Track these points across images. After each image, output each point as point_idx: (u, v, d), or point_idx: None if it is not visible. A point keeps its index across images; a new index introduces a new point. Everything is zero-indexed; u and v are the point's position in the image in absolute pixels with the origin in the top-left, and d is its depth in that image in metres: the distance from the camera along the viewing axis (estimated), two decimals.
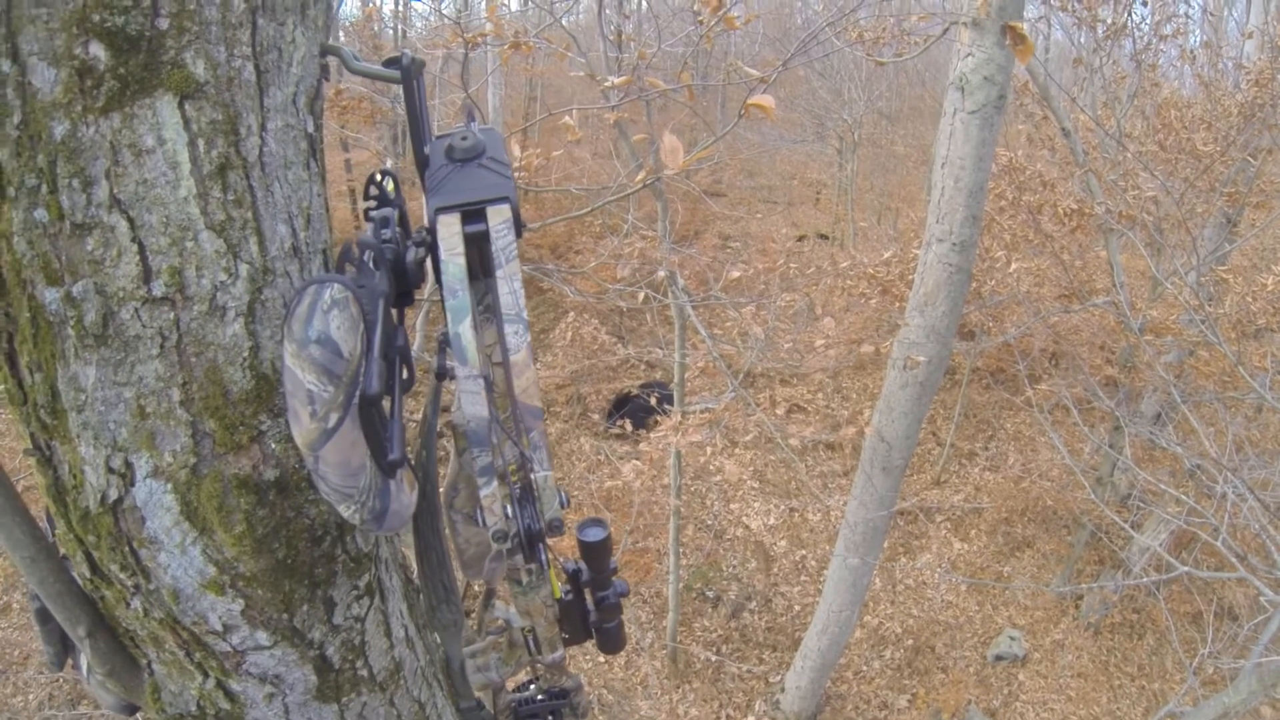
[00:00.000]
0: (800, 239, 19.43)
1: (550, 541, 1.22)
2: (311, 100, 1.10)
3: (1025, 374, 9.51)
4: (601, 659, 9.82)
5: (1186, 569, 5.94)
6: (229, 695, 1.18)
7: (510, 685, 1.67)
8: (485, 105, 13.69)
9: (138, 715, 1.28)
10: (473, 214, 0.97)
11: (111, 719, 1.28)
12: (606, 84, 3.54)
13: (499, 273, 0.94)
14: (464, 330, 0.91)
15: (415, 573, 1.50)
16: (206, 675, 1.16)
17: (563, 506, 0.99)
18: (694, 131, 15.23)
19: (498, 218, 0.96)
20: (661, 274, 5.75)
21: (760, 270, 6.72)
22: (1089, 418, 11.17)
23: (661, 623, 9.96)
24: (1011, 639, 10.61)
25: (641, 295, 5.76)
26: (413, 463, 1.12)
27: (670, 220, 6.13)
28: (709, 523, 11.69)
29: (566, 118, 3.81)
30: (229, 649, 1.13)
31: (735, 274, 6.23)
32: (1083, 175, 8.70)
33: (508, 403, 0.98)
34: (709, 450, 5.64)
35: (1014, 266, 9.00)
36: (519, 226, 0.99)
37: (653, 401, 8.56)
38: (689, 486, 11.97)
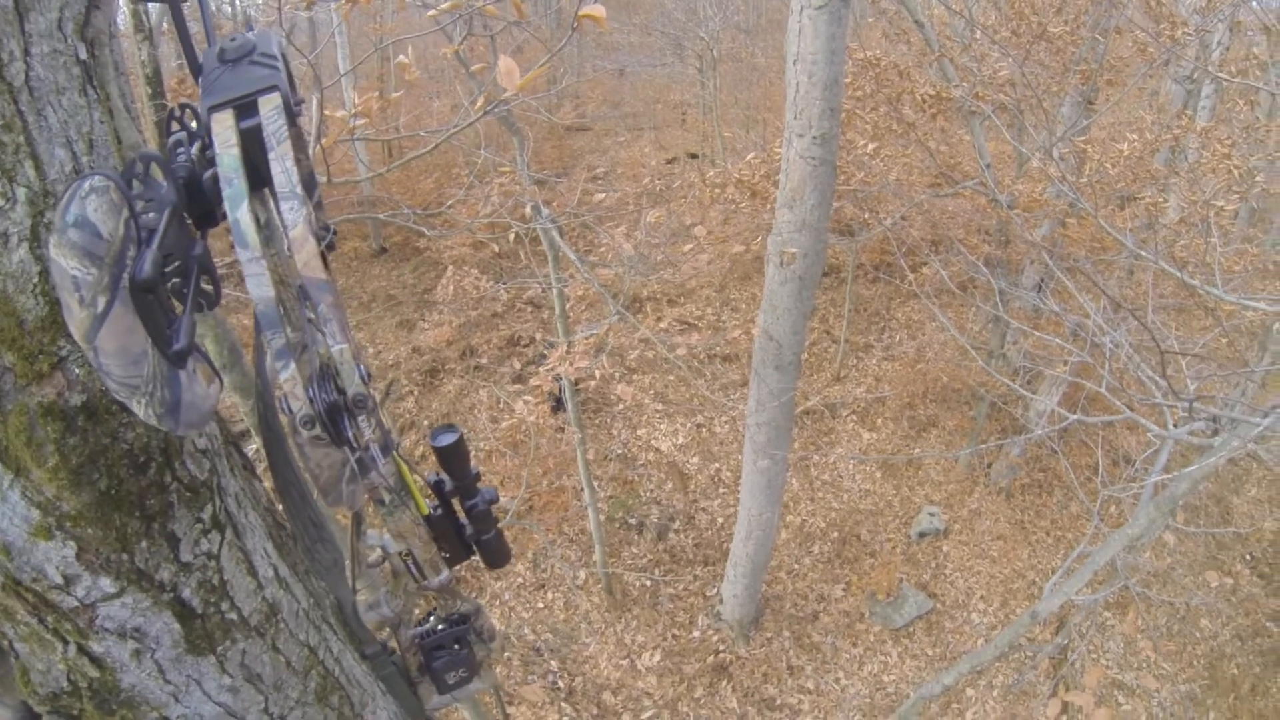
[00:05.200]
0: (670, 161, 19.49)
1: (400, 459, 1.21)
2: (81, 27, 1.06)
3: (906, 263, 9.74)
4: (541, 604, 9.89)
5: (1077, 417, 6.20)
6: (94, 660, 1.14)
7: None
8: (336, 69, 13.33)
9: None
10: (246, 108, 0.96)
11: None
12: (434, 11, 3.46)
13: (271, 155, 0.94)
14: (241, 215, 0.90)
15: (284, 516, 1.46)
16: (66, 642, 1.11)
17: (364, 381, 0.99)
18: (550, 69, 15.06)
19: (268, 105, 0.96)
20: (528, 208, 5.71)
21: (629, 194, 6.70)
22: (974, 298, 11.58)
23: (591, 558, 10.06)
24: (931, 515, 11.02)
25: (513, 234, 5.71)
26: (214, 365, 1.09)
27: (531, 155, 6.07)
28: (619, 452, 11.80)
29: (402, 57, 3.72)
30: (76, 603, 1.08)
31: (600, 196, 6.21)
32: (936, 60, 8.85)
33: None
34: (598, 374, 5.66)
35: (872, 148, 9.16)
36: (292, 114, 0.98)
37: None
38: (592, 420, 12.05)
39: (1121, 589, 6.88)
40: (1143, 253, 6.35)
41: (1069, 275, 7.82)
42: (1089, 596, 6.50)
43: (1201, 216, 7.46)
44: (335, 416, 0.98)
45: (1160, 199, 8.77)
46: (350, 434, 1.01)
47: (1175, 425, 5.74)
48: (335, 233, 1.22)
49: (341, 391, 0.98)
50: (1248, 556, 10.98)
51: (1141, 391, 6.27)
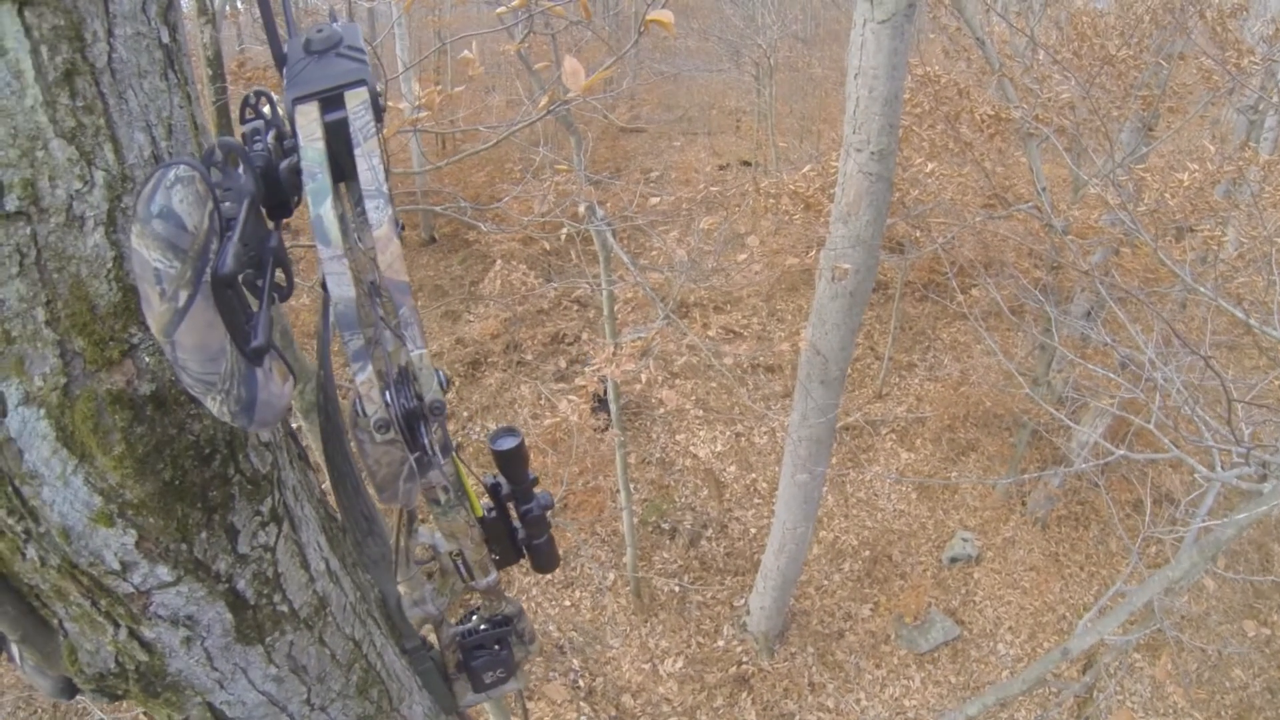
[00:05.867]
0: (723, 167, 19.40)
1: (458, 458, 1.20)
2: (165, 10, 1.06)
3: (955, 283, 9.64)
4: (568, 603, 9.91)
5: (1122, 453, 6.09)
6: (144, 645, 1.14)
7: (451, 618, 1.65)
8: (395, 60, 13.45)
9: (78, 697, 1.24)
10: (331, 101, 0.95)
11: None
12: (502, 9, 3.47)
13: (357, 151, 0.92)
14: (325, 212, 0.88)
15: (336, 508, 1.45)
16: (117, 625, 1.12)
17: (442, 388, 0.97)
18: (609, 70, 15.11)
19: (355, 100, 0.94)
20: (581, 208, 5.71)
21: (682, 199, 6.69)
22: (1021, 322, 11.43)
23: (622, 560, 10.06)
24: (964, 540, 10.88)
25: (564, 232, 5.72)
26: (289, 362, 1.08)
27: (587, 154, 6.07)
28: (657, 455, 11.78)
29: (466, 51, 3.74)
30: (132, 589, 1.08)
31: (654, 200, 6.19)
32: (997, 79, 8.76)
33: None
34: (644, 378, 5.64)
35: (930, 167, 9.07)
36: (378, 110, 0.97)
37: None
38: (632, 423, 12.05)
39: (1155, 631, 6.75)
40: (1200, 287, 6.23)
41: (1120, 305, 7.70)
42: (1122, 637, 6.39)
43: (1261, 253, 7.30)
44: (412, 422, 0.97)
45: (1219, 232, 8.61)
46: (426, 440, 1.00)
47: (1223, 468, 5.62)
48: (404, 227, 1.21)
49: (419, 397, 0.96)
50: None
51: (1191, 430, 6.15)
